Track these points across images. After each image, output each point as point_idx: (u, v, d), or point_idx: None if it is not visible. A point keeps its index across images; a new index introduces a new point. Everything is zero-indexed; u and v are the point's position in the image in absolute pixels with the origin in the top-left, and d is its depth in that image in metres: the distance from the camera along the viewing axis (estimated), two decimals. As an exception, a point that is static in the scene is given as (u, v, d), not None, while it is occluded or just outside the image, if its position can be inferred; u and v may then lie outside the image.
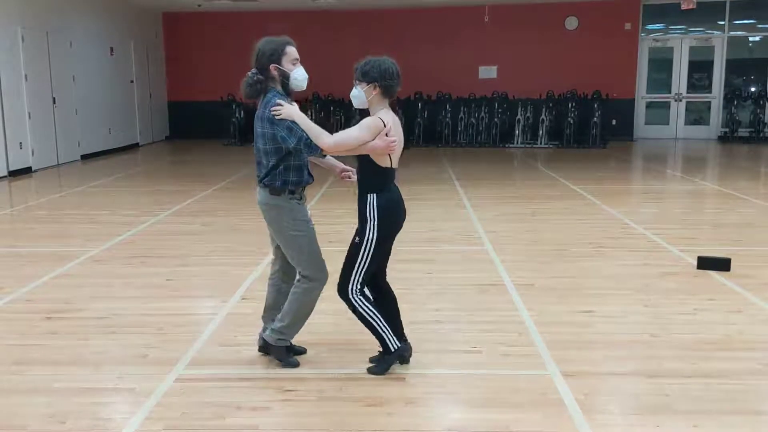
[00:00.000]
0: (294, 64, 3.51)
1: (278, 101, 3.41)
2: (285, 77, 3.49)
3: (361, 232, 3.54)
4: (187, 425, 3.15)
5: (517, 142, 16.23)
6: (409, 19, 16.89)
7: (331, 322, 4.44)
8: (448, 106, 16.52)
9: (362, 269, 3.57)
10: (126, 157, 14.49)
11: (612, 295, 4.99)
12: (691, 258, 5.82)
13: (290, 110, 3.41)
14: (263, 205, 3.60)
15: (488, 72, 17.26)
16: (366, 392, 3.44)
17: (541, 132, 16.15)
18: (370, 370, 3.67)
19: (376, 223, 3.50)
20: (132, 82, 16.09)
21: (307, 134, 3.37)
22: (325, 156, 3.62)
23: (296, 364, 3.72)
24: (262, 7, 16.64)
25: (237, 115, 16.97)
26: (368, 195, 3.51)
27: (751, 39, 17.48)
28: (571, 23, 16.91)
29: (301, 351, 3.88)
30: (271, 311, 3.82)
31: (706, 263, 5.57)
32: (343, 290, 3.62)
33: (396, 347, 3.65)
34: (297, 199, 3.58)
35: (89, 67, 14.03)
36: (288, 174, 3.50)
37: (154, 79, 17.32)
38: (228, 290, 5.11)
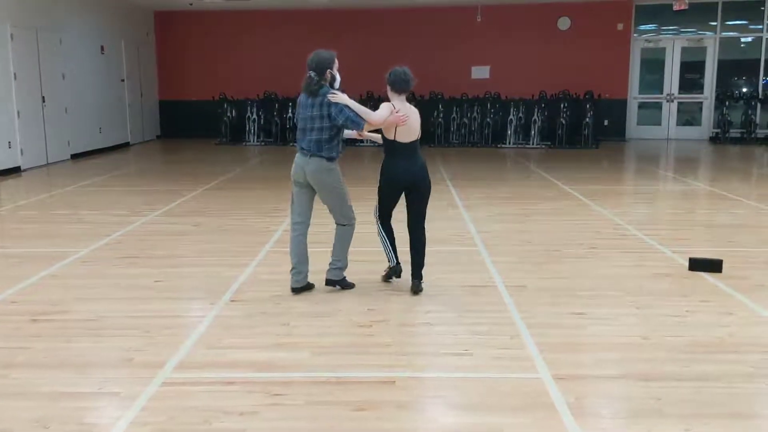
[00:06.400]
0: (338, 71, 4.86)
1: (333, 91, 4.77)
2: (333, 79, 4.82)
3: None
4: (173, 430, 3.10)
5: (510, 143, 16.22)
6: (402, 19, 16.86)
7: (322, 324, 4.41)
8: (440, 106, 16.48)
9: (378, 202, 5.14)
10: (116, 157, 14.39)
11: (604, 297, 4.97)
12: (683, 259, 5.80)
13: (343, 97, 4.78)
14: (319, 171, 4.80)
15: (481, 72, 17.24)
16: (356, 396, 3.40)
17: (533, 132, 16.14)
18: (383, 278, 5.27)
19: (380, 175, 5.05)
20: (123, 80, 15.99)
21: (353, 114, 4.73)
22: (360, 131, 4.90)
23: (354, 285, 5.07)
24: (255, 6, 16.57)
25: (228, 114, 16.90)
26: (384, 156, 5.02)
27: (742, 40, 17.52)
28: (564, 23, 16.91)
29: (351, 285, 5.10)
30: (305, 256, 4.98)
31: (698, 265, 5.56)
32: (374, 213, 5.18)
33: (394, 263, 5.17)
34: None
35: (79, 66, 13.92)
36: (338, 147, 4.87)
37: (145, 77, 17.22)
38: (217, 292, 5.05)
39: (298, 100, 4.94)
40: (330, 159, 4.81)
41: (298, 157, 4.91)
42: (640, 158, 14.27)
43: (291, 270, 4.98)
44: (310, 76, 4.76)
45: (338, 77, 4.87)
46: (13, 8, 11.61)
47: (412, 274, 5.05)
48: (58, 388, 3.52)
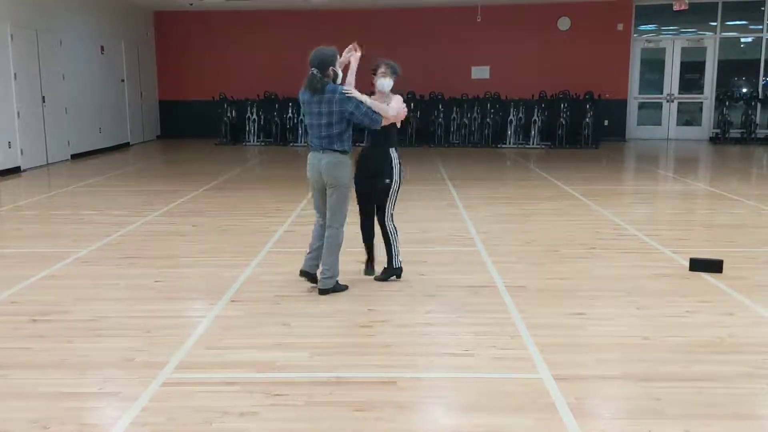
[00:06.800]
0: (339, 67, 4.92)
1: (346, 88, 4.85)
2: (336, 76, 4.88)
3: (389, 175, 5.06)
4: (173, 430, 3.09)
5: (510, 143, 16.22)
6: (402, 19, 16.85)
7: (322, 325, 4.41)
8: (440, 106, 16.49)
9: (394, 201, 5.19)
10: (116, 157, 14.39)
11: (604, 297, 4.96)
12: (683, 260, 5.80)
13: (356, 93, 4.84)
14: (333, 165, 4.84)
15: (481, 72, 17.23)
16: (355, 397, 3.40)
17: (533, 132, 16.14)
18: (377, 278, 5.29)
19: (399, 169, 5.12)
20: (123, 81, 15.99)
21: (370, 110, 4.79)
22: (378, 128, 4.94)
23: (347, 287, 5.04)
24: (255, 6, 16.57)
25: (228, 114, 16.89)
26: (390, 149, 5.08)
27: (742, 40, 17.52)
28: (564, 24, 16.90)
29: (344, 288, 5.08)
30: (320, 248, 5.03)
31: (698, 265, 5.55)
32: (382, 219, 5.20)
33: (399, 264, 5.26)
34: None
35: (79, 66, 13.92)
36: (349, 140, 4.91)
37: (145, 78, 17.22)
38: (217, 292, 5.05)
39: (300, 99, 4.93)
40: (343, 152, 4.87)
41: (311, 156, 4.95)
42: (640, 158, 14.27)
43: (307, 253, 5.05)
44: (312, 73, 4.78)
45: (341, 73, 4.94)
46: (13, 9, 11.61)
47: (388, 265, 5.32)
48: (58, 388, 3.52)
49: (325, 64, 4.80)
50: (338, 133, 4.83)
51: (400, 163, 5.14)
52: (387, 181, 5.08)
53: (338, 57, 4.91)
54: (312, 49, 4.89)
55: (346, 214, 5.02)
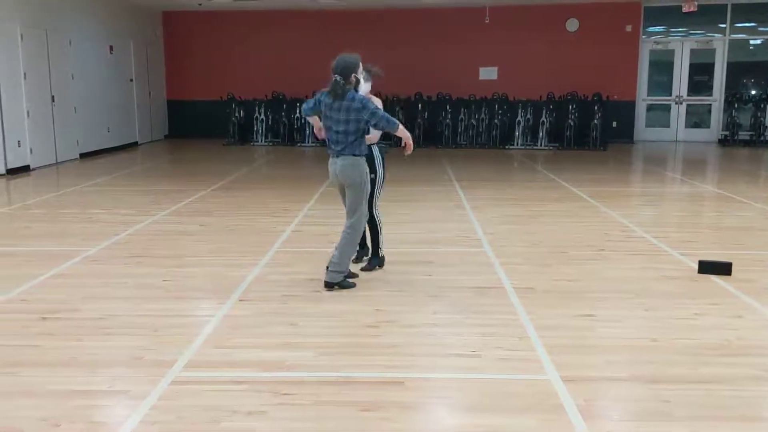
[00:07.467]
0: (362, 74, 5.12)
1: (365, 96, 5.07)
2: (358, 83, 5.07)
3: (372, 171, 5.42)
4: (181, 429, 3.11)
5: (517, 144, 16.19)
6: (409, 20, 16.85)
7: (329, 324, 4.42)
8: (448, 107, 16.47)
9: (378, 194, 5.59)
10: (125, 156, 14.45)
11: (612, 299, 4.95)
12: (692, 262, 5.78)
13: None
14: (349, 167, 5.02)
15: (489, 73, 17.22)
16: (362, 397, 3.40)
17: (541, 134, 16.11)
18: (363, 269, 5.55)
19: (383, 164, 5.55)
20: (131, 80, 16.05)
21: (386, 114, 5.00)
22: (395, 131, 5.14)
23: (354, 285, 5.13)
24: (263, 7, 16.60)
25: (236, 114, 16.93)
26: (373, 147, 5.47)
27: (752, 42, 17.44)
28: (572, 25, 16.87)
29: (353, 280, 5.23)
30: None
31: (707, 267, 5.53)
32: (371, 209, 5.47)
33: (383, 253, 5.64)
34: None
35: (88, 66, 13.99)
36: (363, 144, 5.08)
37: (153, 77, 17.28)
38: (225, 292, 5.07)
39: (323, 101, 5.04)
40: (355, 155, 5.03)
41: (330, 162, 5.16)
42: (648, 160, 14.22)
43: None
44: (336, 80, 4.92)
45: (363, 80, 5.13)
46: (23, 9, 11.67)
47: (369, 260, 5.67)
48: (67, 386, 3.54)
49: (348, 71, 4.95)
50: (352, 141, 5.00)
51: (383, 160, 5.56)
52: (372, 175, 5.40)
53: (361, 64, 5.06)
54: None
55: (365, 211, 5.16)
